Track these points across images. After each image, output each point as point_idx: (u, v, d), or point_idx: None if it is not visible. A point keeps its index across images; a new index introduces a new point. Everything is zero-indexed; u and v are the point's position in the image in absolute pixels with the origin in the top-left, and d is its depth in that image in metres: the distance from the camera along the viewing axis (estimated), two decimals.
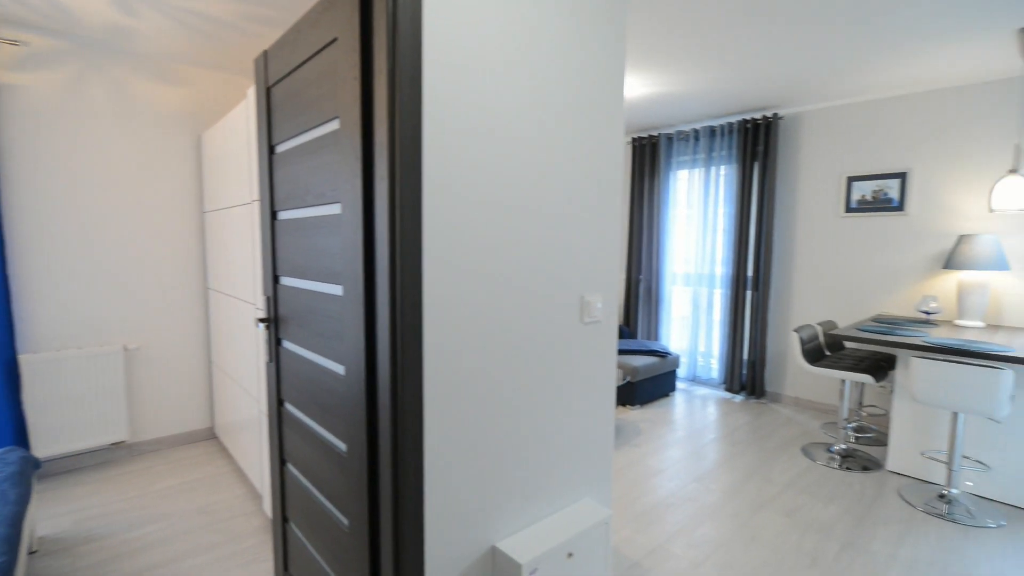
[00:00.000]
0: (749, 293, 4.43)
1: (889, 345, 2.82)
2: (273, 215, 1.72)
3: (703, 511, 2.63)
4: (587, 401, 1.62)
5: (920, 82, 3.48)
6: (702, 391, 4.73)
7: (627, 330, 5.13)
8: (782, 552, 2.28)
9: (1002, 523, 2.53)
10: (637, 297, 5.22)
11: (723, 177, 4.59)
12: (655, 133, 4.99)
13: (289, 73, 1.53)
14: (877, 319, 3.58)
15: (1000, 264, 3.16)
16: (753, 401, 4.44)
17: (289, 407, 1.72)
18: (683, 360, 5.00)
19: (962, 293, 3.33)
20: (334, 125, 1.30)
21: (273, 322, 1.77)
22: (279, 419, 1.78)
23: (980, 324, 3.30)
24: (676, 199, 5.00)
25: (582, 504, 1.61)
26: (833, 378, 3.76)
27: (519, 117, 1.34)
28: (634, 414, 4.07)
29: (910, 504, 2.70)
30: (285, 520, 1.83)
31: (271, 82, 1.66)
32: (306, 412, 1.59)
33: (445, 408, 1.24)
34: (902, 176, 3.71)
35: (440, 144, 1.17)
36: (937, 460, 2.87)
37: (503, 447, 1.39)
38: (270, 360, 1.80)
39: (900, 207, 3.73)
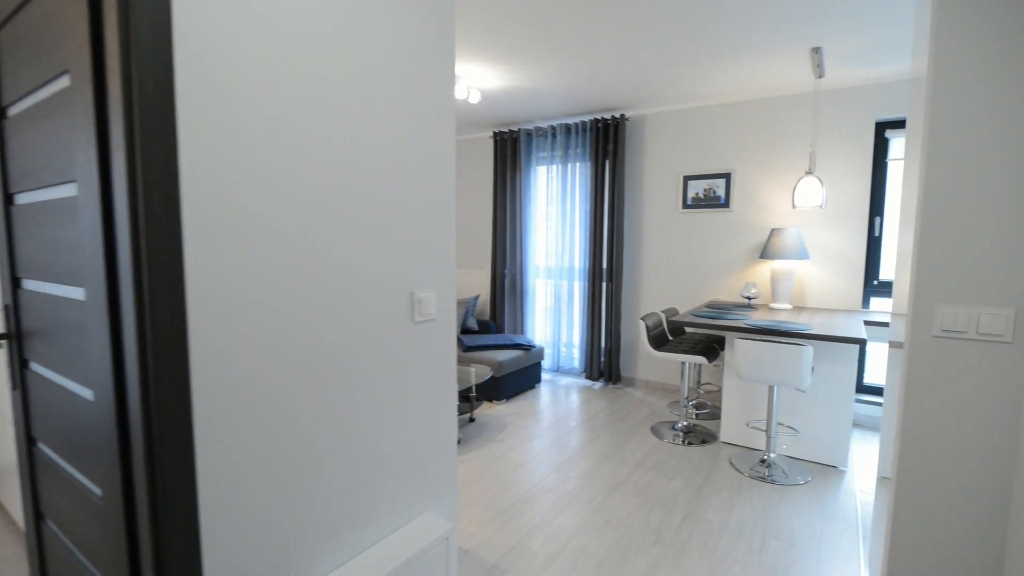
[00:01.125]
0: (604, 284, 4.65)
1: (717, 328, 3.10)
2: (8, 198, 1.33)
3: (561, 500, 2.65)
4: (422, 407, 1.49)
5: (736, 92, 3.89)
6: (565, 380, 4.87)
7: (493, 324, 5.11)
8: (632, 532, 2.37)
9: (808, 479, 2.90)
10: (503, 291, 5.23)
11: (579, 174, 4.76)
12: (515, 128, 5.02)
13: (14, 12, 1.17)
14: (710, 305, 3.95)
15: (802, 254, 3.65)
16: (611, 387, 4.67)
17: (43, 447, 1.34)
18: (547, 351, 5.11)
19: (775, 280, 3.80)
20: (65, 81, 1.00)
21: (15, 338, 1.37)
22: (31, 463, 1.39)
23: (789, 307, 3.78)
24: (537, 194, 5.08)
25: (421, 520, 1.48)
26: (675, 361, 4.07)
27: (323, 86, 1.15)
28: (500, 408, 4.05)
29: (739, 471, 2.99)
30: None
31: None
32: (59, 452, 1.24)
33: (229, 435, 1.02)
34: (727, 176, 4.13)
35: (206, 105, 0.95)
36: (758, 429, 3.23)
37: (315, 474, 1.20)
38: (14, 387, 1.40)
39: (726, 204, 4.15)
